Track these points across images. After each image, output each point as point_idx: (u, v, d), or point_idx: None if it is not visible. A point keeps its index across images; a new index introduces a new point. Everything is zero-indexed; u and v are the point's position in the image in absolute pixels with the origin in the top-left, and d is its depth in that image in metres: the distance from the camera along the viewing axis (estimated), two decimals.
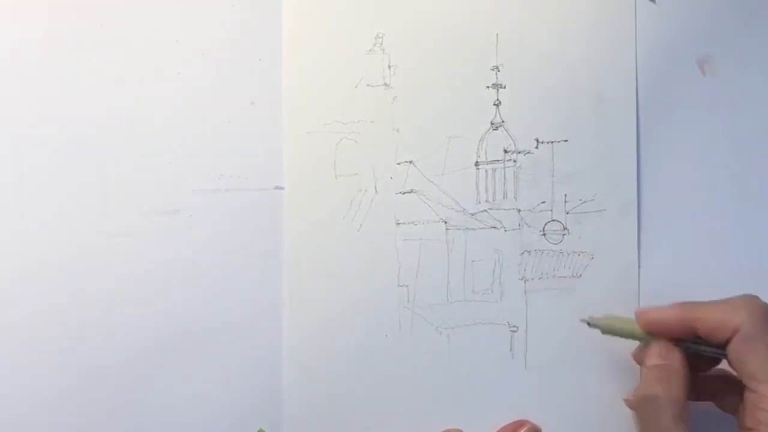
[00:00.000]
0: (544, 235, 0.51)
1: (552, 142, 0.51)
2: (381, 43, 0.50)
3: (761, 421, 0.41)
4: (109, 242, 0.48)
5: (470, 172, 0.51)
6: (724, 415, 0.46)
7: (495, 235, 0.51)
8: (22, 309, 0.48)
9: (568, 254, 0.51)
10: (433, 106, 0.50)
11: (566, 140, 0.51)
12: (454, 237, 0.50)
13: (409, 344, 0.50)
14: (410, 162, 0.50)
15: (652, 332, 0.46)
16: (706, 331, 0.44)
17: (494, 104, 0.51)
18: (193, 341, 0.49)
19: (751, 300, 0.44)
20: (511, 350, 0.50)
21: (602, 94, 0.51)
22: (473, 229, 0.51)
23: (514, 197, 0.51)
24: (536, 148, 0.51)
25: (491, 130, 0.51)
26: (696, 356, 0.46)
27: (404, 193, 0.50)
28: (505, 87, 0.51)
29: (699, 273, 0.49)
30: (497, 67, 0.51)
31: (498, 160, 0.51)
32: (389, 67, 0.50)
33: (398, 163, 0.50)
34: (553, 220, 0.51)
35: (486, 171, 0.51)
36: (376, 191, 0.50)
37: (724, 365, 0.45)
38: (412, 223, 0.50)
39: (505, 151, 0.51)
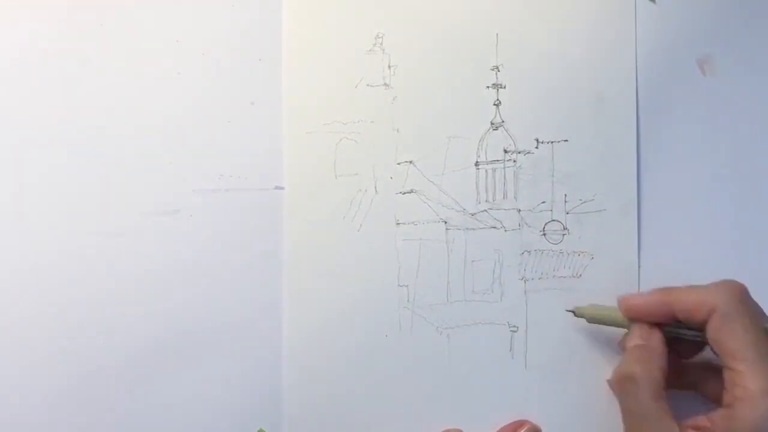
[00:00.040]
0: (544, 235, 0.51)
1: (552, 142, 0.51)
2: (381, 43, 0.50)
3: (737, 397, 0.42)
4: (110, 242, 0.48)
5: (470, 172, 0.51)
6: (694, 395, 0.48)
7: (495, 235, 0.51)
8: (22, 309, 0.48)
9: (568, 254, 0.51)
10: (433, 106, 0.50)
11: (566, 140, 0.51)
12: (454, 237, 0.50)
13: (409, 344, 0.50)
14: (410, 162, 0.50)
15: (633, 318, 0.47)
16: (685, 313, 0.45)
17: (494, 104, 0.51)
18: (193, 341, 0.49)
19: (728, 283, 0.45)
20: (511, 350, 0.50)
21: (602, 94, 0.51)
22: (473, 229, 0.51)
23: (514, 197, 0.51)
24: (536, 148, 0.51)
25: (491, 130, 0.51)
26: (678, 341, 0.47)
27: (404, 193, 0.50)
28: (505, 87, 0.51)
29: (699, 273, 0.49)
30: (497, 67, 0.51)
31: (498, 160, 0.51)
32: (389, 67, 0.50)
33: (398, 163, 0.50)
34: (553, 220, 0.51)
35: (486, 171, 0.51)
36: (376, 191, 0.50)
37: (707, 353, 0.46)
38: (412, 223, 0.50)
39: (505, 151, 0.51)
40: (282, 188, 0.50)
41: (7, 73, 0.48)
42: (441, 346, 0.50)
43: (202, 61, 0.49)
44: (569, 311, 0.49)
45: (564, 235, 0.51)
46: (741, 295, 0.44)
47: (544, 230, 0.51)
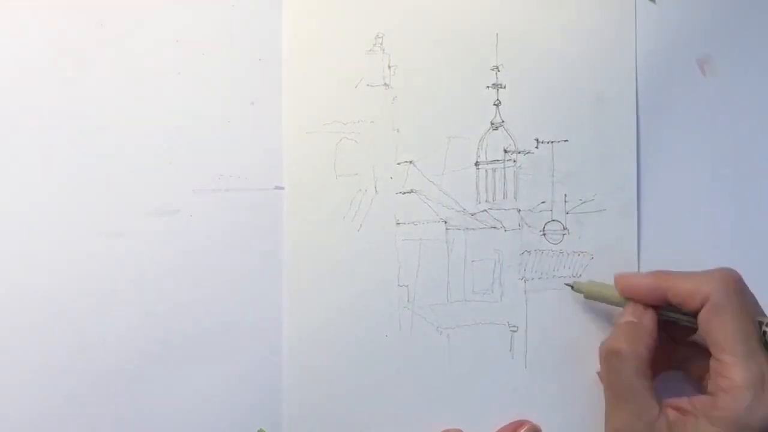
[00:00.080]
0: (544, 235, 0.51)
1: (552, 142, 0.51)
2: (381, 43, 0.50)
3: (721, 387, 0.42)
4: (109, 242, 0.48)
5: (470, 172, 0.51)
6: (685, 378, 0.49)
7: (495, 235, 0.51)
8: (21, 309, 0.48)
9: (568, 254, 0.51)
10: (433, 106, 0.50)
11: (566, 140, 0.51)
12: (454, 237, 0.50)
13: (409, 344, 0.50)
14: (410, 162, 0.50)
15: (628, 296, 0.48)
16: (678, 299, 0.45)
17: (494, 104, 0.51)
18: (193, 341, 0.49)
19: (724, 272, 0.45)
20: (511, 350, 0.50)
21: (602, 94, 0.51)
22: (473, 229, 0.51)
23: (514, 197, 0.51)
24: (536, 148, 0.51)
25: (491, 130, 0.51)
26: (672, 324, 0.47)
27: (404, 193, 0.50)
28: (505, 87, 0.51)
29: None
30: (497, 67, 0.51)
31: (498, 160, 0.51)
32: (389, 67, 0.50)
33: (398, 163, 0.50)
34: (553, 220, 0.51)
35: (486, 171, 0.51)
36: (376, 191, 0.50)
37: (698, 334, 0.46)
38: (412, 223, 0.50)
39: (505, 151, 0.51)
40: (282, 188, 0.50)
41: (6, 73, 0.48)
42: (441, 346, 0.50)
43: (202, 61, 0.49)
44: (567, 285, 0.50)
45: (564, 235, 0.51)
46: (735, 284, 0.44)
47: (544, 230, 0.51)
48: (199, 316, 0.49)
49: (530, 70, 0.51)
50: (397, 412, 0.50)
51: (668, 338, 0.48)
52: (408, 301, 0.50)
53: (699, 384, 0.48)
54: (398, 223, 0.50)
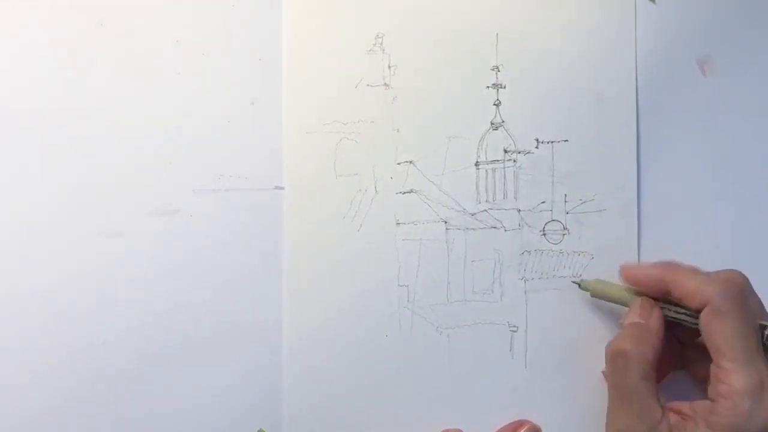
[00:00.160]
0: (544, 235, 0.51)
1: (552, 142, 0.51)
2: (381, 43, 0.50)
3: (721, 393, 0.42)
4: (109, 242, 0.48)
5: (470, 172, 0.51)
6: (691, 379, 0.49)
7: (495, 235, 0.51)
8: (21, 309, 0.48)
9: (568, 254, 0.51)
10: (433, 106, 0.50)
11: (566, 140, 0.51)
12: (454, 237, 0.50)
13: (409, 344, 0.50)
14: (410, 162, 0.50)
15: (632, 285, 0.48)
16: (680, 296, 0.45)
17: (494, 104, 0.51)
18: (193, 341, 0.49)
19: (729, 275, 0.45)
20: (511, 350, 0.50)
21: (602, 94, 0.51)
22: (473, 229, 0.51)
23: (514, 197, 0.51)
24: (536, 148, 0.51)
25: (491, 130, 0.51)
26: (678, 325, 0.47)
27: (404, 193, 0.50)
28: (505, 87, 0.51)
29: None
30: (497, 67, 0.51)
31: (498, 160, 0.51)
32: (389, 67, 0.50)
33: (398, 163, 0.50)
34: (553, 220, 0.51)
35: (486, 171, 0.51)
36: (376, 191, 0.50)
37: None
38: (412, 223, 0.50)
39: (505, 151, 0.51)
40: (282, 188, 0.50)
41: (6, 73, 0.48)
42: (441, 346, 0.50)
43: (202, 61, 0.49)
44: (575, 282, 0.50)
45: (564, 235, 0.51)
46: (737, 289, 0.44)
47: (544, 230, 0.51)
48: (199, 316, 0.49)
49: (530, 70, 0.51)
50: (397, 412, 0.50)
51: (674, 339, 0.48)
52: (408, 301, 0.50)
53: (704, 386, 0.47)
54: (398, 223, 0.50)
